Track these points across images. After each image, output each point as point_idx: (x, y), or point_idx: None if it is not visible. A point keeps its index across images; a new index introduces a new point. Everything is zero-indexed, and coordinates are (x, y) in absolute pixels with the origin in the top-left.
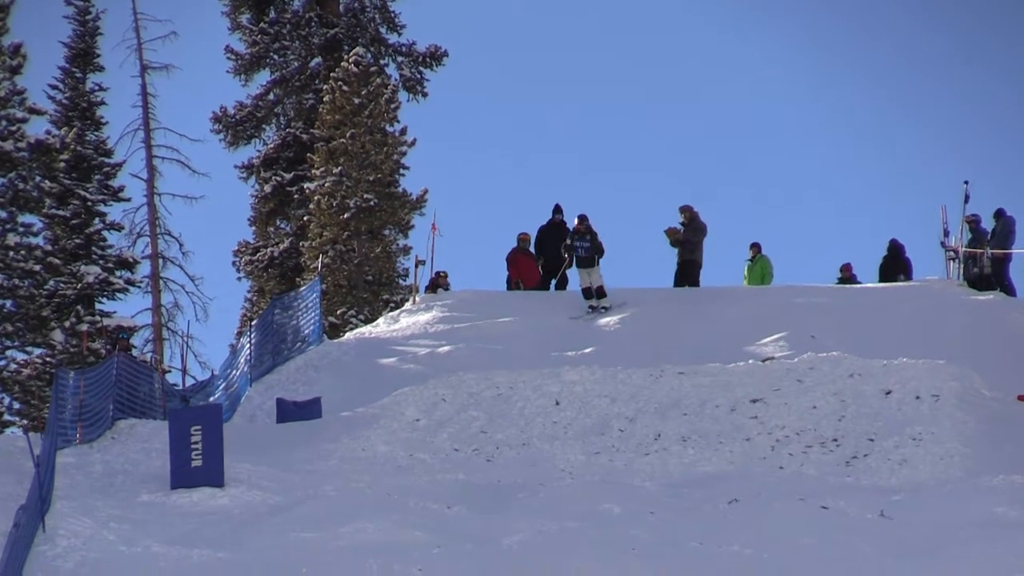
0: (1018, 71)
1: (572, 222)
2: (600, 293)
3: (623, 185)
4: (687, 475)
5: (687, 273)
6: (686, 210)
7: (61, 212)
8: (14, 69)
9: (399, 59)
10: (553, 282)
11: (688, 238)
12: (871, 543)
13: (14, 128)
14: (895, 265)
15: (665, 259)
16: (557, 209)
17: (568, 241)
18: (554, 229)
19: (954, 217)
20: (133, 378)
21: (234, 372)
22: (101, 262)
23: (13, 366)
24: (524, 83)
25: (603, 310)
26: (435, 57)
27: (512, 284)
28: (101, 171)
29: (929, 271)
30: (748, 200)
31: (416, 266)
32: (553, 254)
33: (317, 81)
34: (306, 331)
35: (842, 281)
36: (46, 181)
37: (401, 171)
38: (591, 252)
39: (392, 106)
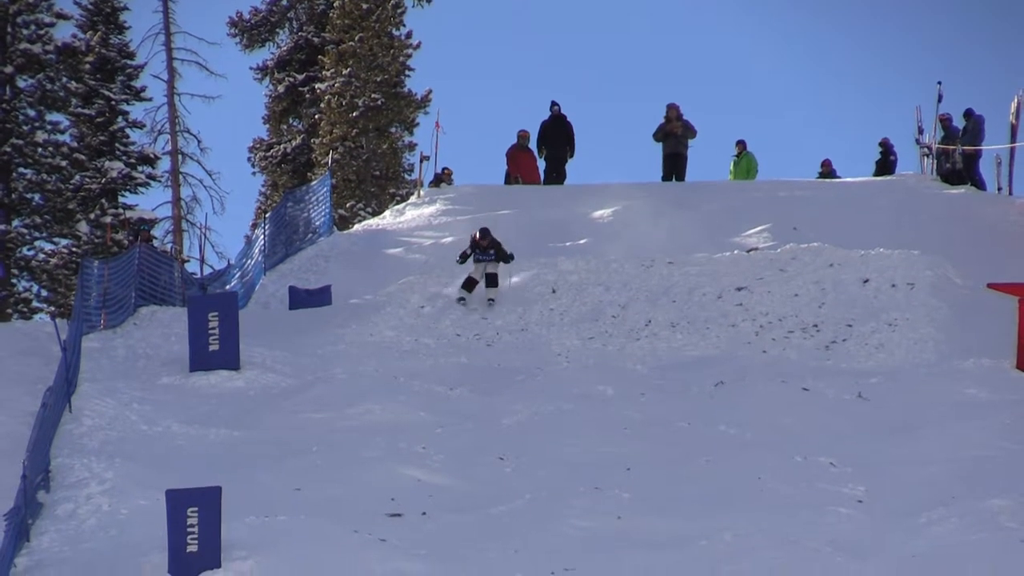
0: None
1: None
2: (492, 282)
3: (617, 85)
4: (676, 359)
5: (675, 164)
6: (673, 108)
7: (86, 111)
8: None
9: None
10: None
11: (680, 131)
12: (849, 423)
13: (42, 32)
14: (888, 163)
15: (652, 156)
16: (554, 104)
17: (468, 251)
18: (555, 123)
19: (928, 116)
20: (154, 267)
21: (249, 261)
22: (124, 158)
23: (41, 256)
24: None
25: (489, 302)
26: None
27: (511, 179)
28: (124, 72)
29: (904, 167)
30: (734, 100)
31: (421, 162)
32: (555, 147)
33: None
34: (317, 223)
35: (822, 176)
36: (72, 82)
37: (407, 72)
38: (496, 264)
39: (398, 11)
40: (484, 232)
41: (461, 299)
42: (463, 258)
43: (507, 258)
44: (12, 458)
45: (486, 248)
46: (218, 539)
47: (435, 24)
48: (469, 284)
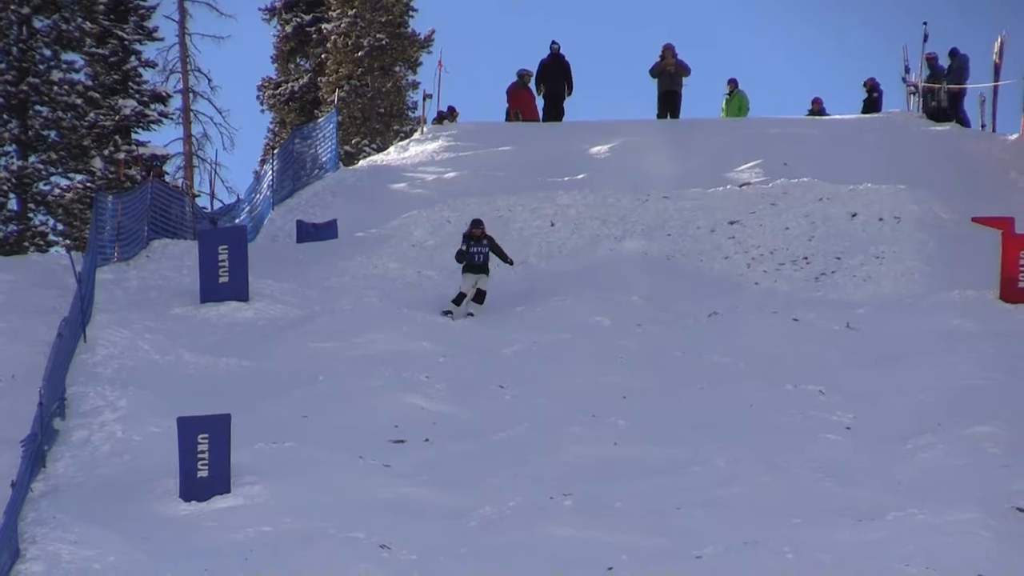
0: None
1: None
2: (479, 298)
3: (616, 26)
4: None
5: (669, 102)
6: (669, 49)
7: (100, 51)
8: None
9: None
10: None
11: (674, 70)
12: (838, 352)
13: None
14: (874, 100)
15: (648, 93)
16: (553, 43)
17: (463, 247)
18: (553, 61)
19: (914, 55)
20: (166, 202)
21: (258, 196)
22: (137, 96)
23: (57, 191)
24: None
25: (469, 315)
26: None
27: (511, 116)
28: (137, 13)
29: (891, 105)
30: (727, 40)
31: (424, 99)
32: (553, 85)
33: None
34: (323, 159)
35: (812, 113)
36: (87, 23)
37: (410, 13)
38: (486, 259)
39: None
40: (476, 222)
41: (447, 312)
42: (460, 255)
43: (503, 257)
44: (29, 386)
45: (479, 238)
46: (228, 465)
47: None
48: (459, 299)
